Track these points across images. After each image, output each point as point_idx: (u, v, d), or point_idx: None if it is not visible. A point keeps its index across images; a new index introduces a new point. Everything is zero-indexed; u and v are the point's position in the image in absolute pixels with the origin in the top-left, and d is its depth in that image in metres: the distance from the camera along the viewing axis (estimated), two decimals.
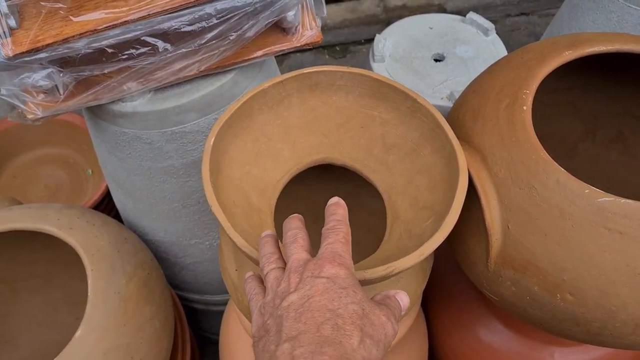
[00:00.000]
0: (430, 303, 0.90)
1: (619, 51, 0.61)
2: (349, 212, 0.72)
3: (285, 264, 0.45)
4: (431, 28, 0.96)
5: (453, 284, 0.86)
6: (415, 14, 1.75)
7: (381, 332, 0.40)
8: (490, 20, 1.81)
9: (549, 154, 0.85)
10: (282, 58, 1.72)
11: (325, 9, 0.73)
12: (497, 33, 1.78)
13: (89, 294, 0.73)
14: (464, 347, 0.83)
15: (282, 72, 1.36)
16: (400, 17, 1.72)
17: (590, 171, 0.82)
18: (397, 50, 0.92)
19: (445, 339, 0.86)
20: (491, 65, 0.67)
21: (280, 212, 0.78)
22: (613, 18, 0.91)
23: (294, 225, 0.47)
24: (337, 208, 0.47)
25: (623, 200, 0.51)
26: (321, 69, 0.61)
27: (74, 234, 0.78)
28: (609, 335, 0.55)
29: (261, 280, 0.47)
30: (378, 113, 0.63)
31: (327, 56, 1.72)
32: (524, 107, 0.57)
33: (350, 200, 0.79)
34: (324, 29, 1.73)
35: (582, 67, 0.74)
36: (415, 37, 0.94)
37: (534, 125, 0.82)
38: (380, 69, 0.90)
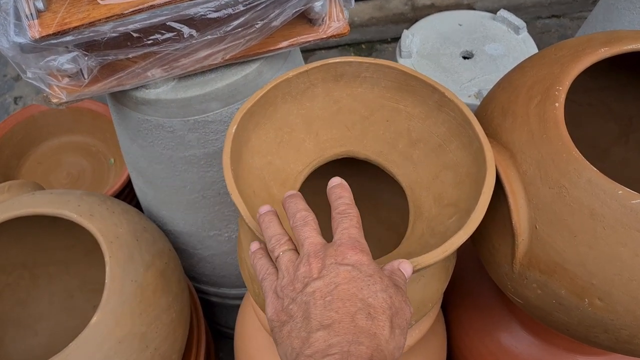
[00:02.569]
0: (450, 304, 0.88)
1: None
2: (370, 208, 0.71)
3: (295, 245, 0.43)
4: (460, 25, 0.94)
5: (474, 286, 0.84)
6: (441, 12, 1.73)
7: (404, 319, 0.40)
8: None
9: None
10: (307, 55, 1.71)
11: (353, 0, 0.71)
12: None
13: (106, 280, 0.73)
14: (483, 351, 0.81)
15: None
16: (429, 15, 1.70)
17: (621, 175, 0.80)
18: (425, 47, 0.91)
19: (464, 342, 0.84)
20: (522, 62, 0.65)
21: None
22: None
23: (302, 206, 0.46)
24: (342, 191, 0.46)
25: None
26: (346, 60, 0.60)
27: (93, 220, 0.78)
28: (638, 344, 0.52)
29: (271, 259, 0.45)
30: (404, 106, 0.61)
31: (352, 54, 1.70)
32: (556, 104, 0.55)
33: (372, 196, 0.78)
34: (351, 26, 1.71)
35: (617, 66, 0.72)
36: (444, 34, 0.93)
37: (568, 123, 0.80)
38: (407, 65, 0.88)
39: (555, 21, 1.76)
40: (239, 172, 0.55)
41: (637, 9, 0.90)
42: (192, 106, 0.70)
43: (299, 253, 0.43)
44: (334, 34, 0.70)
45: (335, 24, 0.71)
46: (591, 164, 0.83)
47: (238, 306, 0.89)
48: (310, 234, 0.43)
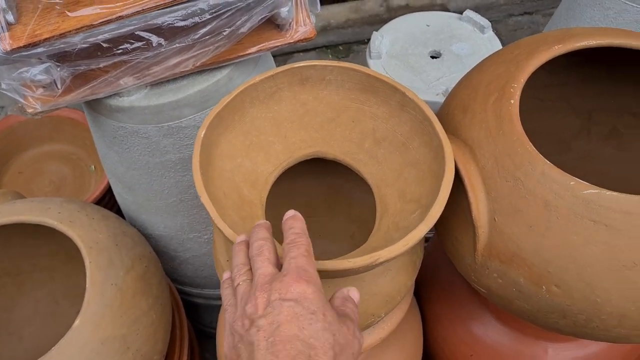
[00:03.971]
0: (425, 297, 0.91)
1: (609, 45, 0.61)
2: (343, 206, 0.73)
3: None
4: (428, 25, 0.96)
5: (447, 279, 0.86)
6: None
7: (352, 354, 0.40)
8: (493, 20, 1.82)
9: (543, 150, 0.85)
10: (286, 57, 1.74)
11: (319, 5, 0.73)
12: (499, 33, 1.78)
13: (87, 285, 0.74)
14: (458, 342, 0.84)
15: None
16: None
17: (584, 167, 0.83)
18: (394, 47, 0.93)
19: (439, 333, 0.87)
20: (482, 61, 0.68)
21: (278, 207, 0.79)
22: (610, 15, 0.91)
23: (260, 235, 0.46)
24: (294, 221, 0.46)
25: (609, 192, 0.51)
26: (311, 63, 0.62)
27: (73, 227, 0.79)
28: (595, 328, 0.55)
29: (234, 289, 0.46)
30: (368, 107, 0.64)
31: (330, 56, 1.72)
32: (512, 101, 0.58)
33: (344, 195, 0.81)
34: (328, 28, 1.74)
35: (577, 62, 0.75)
36: (413, 35, 0.95)
37: (528, 121, 0.83)
38: (377, 66, 0.91)
39: (528, 18, 1.79)
40: (209, 175, 0.57)
41: (597, 6, 0.93)
42: (165, 112, 0.72)
43: None
44: (301, 38, 0.73)
45: (302, 28, 0.73)
46: (555, 157, 0.86)
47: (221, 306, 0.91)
48: (261, 265, 0.43)
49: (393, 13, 1.75)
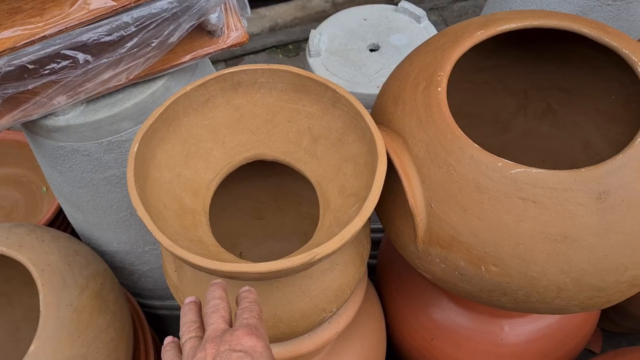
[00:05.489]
0: (385, 288, 0.92)
1: (528, 27, 0.63)
2: (293, 205, 0.74)
3: (204, 333, 0.44)
4: (365, 19, 0.97)
5: (403, 269, 0.87)
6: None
7: None
8: (439, 7, 1.84)
9: (485, 131, 0.88)
10: (237, 60, 1.73)
11: (249, 9, 0.74)
12: (445, 19, 1.81)
13: (41, 308, 0.74)
14: (418, 327, 0.85)
15: None
16: None
17: (524, 145, 0.85)
18: (333, 44, 0.94)
19: (400, 322, 0.88)
20: (411, 51, 0.69)
21: (225, 212, 0.79)
22: None
23: (217, 294, 0.47)
24: (248, 293, 0.48)
25: (534, 170, 0.53)
26: (241, 69, 0.62)
27: (23, 251, 0.78)
28: (535, 302, 0.57)
29: (179, 350, 0.46)
30: (302, 106, 0.64)
31: (280, 55, 1.73)
32: (439, 89, 0.59)
33: (293, 194, 0.81)
34: (275, 28, 1.74)
35: (507, 45, 0.77)
36: (351, 29, 0.96)
37: (468, 104, 0.85)
38: (317, 64, 0.91)
39: (472, 2, 1.82)
40: (146, 188, 0.57)
41: None
42: (103, 128, 0.71)
43: None
44: (234, 43, 0.73)
45: (234, 33, 0.73)
46: (495, 137, 0.88)
47: None
48: (215, 321, 0.44)
49: (339, 8, 1.76)
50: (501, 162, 0.54)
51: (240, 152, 0.66)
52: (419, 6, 1.71)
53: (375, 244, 1.13)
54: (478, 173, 0.54)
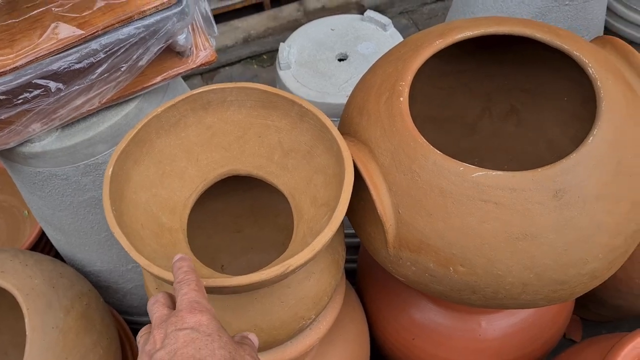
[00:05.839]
0: (366, 291, 0.94)
1: (484, 34, 0.66)
2: (269, 217, 0.76)
3: None
4: (333, 29, 1.00)
5: (382, 273, 0.89)
6: (335, 13, 1.80)
7: None
8: (409, 10, 1.87)
9: (453, 135, 0.90)
10: (213, 74, 1.75)
11: (215, 28, 0.76)
12: (416, 21, 1.84)
13: (27, 332, 0.75)
14: (400, 328, 0.87)
15: None
16: (321, 18, 1.75)
17: (491, 146, 0.88)
18: (302, 55, 0.96)
19: (382, 323, 0.90)
20: (375, 62, 0.72)
21: (204, 228, 0.81)
22: None
23: (159, 294, 0.48)
24: (181, 262, 0.48)
25: (494, 172, 0.55)
26: (210, 88, 0.64)
27: (6, 276, 0.79)
28: (503, 298, 0.59)
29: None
30: (272, 121, 0.66)
31: (255, 66, 1.75)
32: (401, 99, 0.61)
33: (269, 206, 0.83)
34: (248, 39, 1.76)
35: (470, 50, 0.79)
36: (319, 40, 0.98)
37: (436, 108, 0.87)
38: (287, 76, 0.93)
39: (441, 4, 1.86)
40: (123, 210, 0.58)
41: None
42: (79, 152, 0.73)
43: None
44: (203, 62, 0.75)
45: (203, 52, 0.75)
46: (463, 139, 0.91)
47: None
48: (156, 310, 0.45)
49: (311, 16, 1.79)
50: (462, 167, 0.56)
51: (215, 169, 0.68)
52: (389, 10, 1.75)
53: (355, 248, 1.16)
54: (441, 178, 0.57)
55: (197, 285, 0.46)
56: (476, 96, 0.85)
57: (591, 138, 0.56)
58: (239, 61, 1.74)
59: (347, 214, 0.67)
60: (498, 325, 0.83)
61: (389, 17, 1.81)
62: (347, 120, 0.68)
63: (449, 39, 0.66)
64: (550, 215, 0.55)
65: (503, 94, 0.84)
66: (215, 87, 0.65)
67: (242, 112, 0.67)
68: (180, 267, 0.48)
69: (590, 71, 0.61)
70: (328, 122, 0.61)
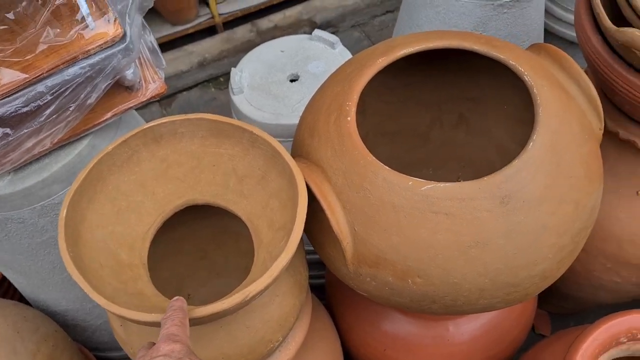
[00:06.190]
0: (336, 307, 0.95)
1: (425, 49, 0.68)
2: (233, 243, 0.77)
3: None
4: (283, 51, 1.01)
5: (350, 288, 0.90)
6: (287, 32, 1.82)
7: None
8: (360, 24, 1.91)
9: (406, 146, 0.92)
10: (169, 100, 1.74)
11: (163, 60, 0.76)
12: (368, 34, 1.87)
13: None
14: (371, 341, 0.88)
15: (172, 113, 1.41)
16: (274, 37, 1.78)
17: (444, 154, 0.90)
18: (255, 79, 0.97)
19: (354, 337, 0.91)
20: (323, 82, 0.73)
21: (167, 259, 0.81)
22: (441, 12, 0.99)
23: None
24: (175, 302, 0.52)
25: (442, 184, 0.57)
26: (160, 122, 0.65)
27: None
28: (462, 305, 0.61)
29: None
30: (224, 150, 0.67)
31: (212, 89, 1.75)
32: (348, 118, 0.63)
33: (233, 232, 0.84)
34: (204, 62, 1.77)
35: (416, 63, 0.81)
36: (270, 63, 1.00)
37: (389, 123, 0.89)
38: (241, 100, 0.94)
39: (390, 16, 1.89)
40: (80, 250, 0.59)
41: (428, 6, 1.01)
42: (34, 194, 0.72)
43: None
44: (153, 95, 0.75)
45: (152, 85, 0.75)
46: (417, 149, 0.93)
47: None
48: (140, 352, 0.49)
49: (264, 36, 1.81)
50: (412, 181, 0.58)
51: (172, 201, 0.68)
52: (341, 25, 1.77)
53: (322, 264, 1.17)
54: (392, 194, 0.58)
55: (180, 321, 0.49)
56: (426, 107, 0.87)
57: (531, 144, 0.59)
58: (196, 85, 1.75)
59: (306, 234, 0.69)
60: (465, 329, 0.85)
61: (341, 32, 1.85)
62: (299, 142, 0.69)
63: (391, 57, 0.68)
64: (499, 222, 0.57)
65: (451, 104, 0.86)
66: (165, 121, 0.65)
67: (194, 143, 0.67)
68: (171, 305, 0.52)
69: (526, 79, 0.63)
70: (279, 146, 0.62)
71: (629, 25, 0.67)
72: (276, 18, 1.84)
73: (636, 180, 0.82)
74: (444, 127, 0.89)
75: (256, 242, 0.65)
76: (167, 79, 1.75)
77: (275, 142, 0.63)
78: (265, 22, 1.84)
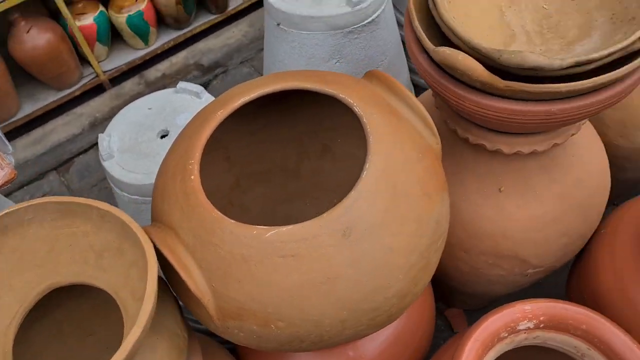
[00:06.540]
0: (241, 348, 0.95)
1: (261, 95, 0.70)
2: (114, 313, 0.74)
3: None
4: (150, 108, 1.01)
5: None
6: (175, 79, 1.82)
7: None
8: (248, 59, 1.93)
9: (279, 181, 0.94)
10: (67, 165, 1.71)
11: (9, 146, 0.75)
12: (257, 69, 1.89)
13: None
14: None
15: (70, 179, 1.38)
16: (164, 86, 1.78)
17: (316, 185, 0.92)
18: (124, 141, 0.97)
19: None
20: (172, 143, 0.74)
21: (50, 341, 0.79)
22: (296, 46, 1.02)
23: None
24: None
25: (285, 228, 0.59)
26: (4, 213, 0.64)
27: None
28: (329, 338, 0.62)
29: None
30: (77, 228, 0.66)
31: None
32: (192, 177, 0.64)
33: (110, 303, 0.82)
34: (95, 122, 1.74)
35: (268, 104, 0.83)
36: (138, 122, 0.99)
37: (253, 164, 0.91)
38: (112, 165, 0.94)
39: None
40: None
41: (283, 42, 1.03)
42: None
43: None
44: (3, 182, 0.74)
45: (1, 173, 0.74)
46: (290, 184, 0.94)
47: None
48: None
49: (153, 86, 1.80)
50: (256, 230, 0.59)
51: (33, 288, 0.67)
52: (230, 63, 1.79)
53: None
54: (240, 245, 0.59)
55: None
56: (290, 143, 0.89)
57: (365, 172, 0.61)
58: (91, 147, 1.72)
59: (176, 294, 0.69)
60: (364, 350, 0.86)
61: (231, 69, 1.87)
62: (154, 207, 0.69)
63: (229, 109, 0.69)
64: (344, 254, 0.58)
65: (313, 136, 0.89)
66: (8, 211, 0.64)
67: (45, 227, 0.66)
68: None
69: (356, 109, 0.66)
70: (127, 217, 0.62)
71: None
72: (163, 67, 1.84)
73: (495, 178, 0.86)
74: (311, 159, 0.91)
75: (124, 314, 0.65)
76: (61, 145, 1.71)
77: (122, 214, 0.63)
78: (153, 72, 1.84)
